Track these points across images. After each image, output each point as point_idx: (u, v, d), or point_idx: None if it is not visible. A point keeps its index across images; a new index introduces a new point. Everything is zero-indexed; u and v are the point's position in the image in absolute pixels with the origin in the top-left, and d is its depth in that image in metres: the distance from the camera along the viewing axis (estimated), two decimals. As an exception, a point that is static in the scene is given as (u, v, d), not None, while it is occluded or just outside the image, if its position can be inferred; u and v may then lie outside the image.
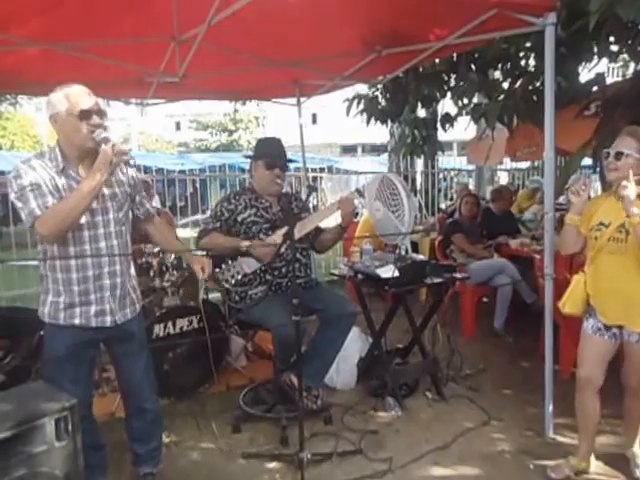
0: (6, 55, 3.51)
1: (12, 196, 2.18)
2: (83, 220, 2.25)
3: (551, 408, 3.17)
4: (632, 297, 2.53)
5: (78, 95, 2.22)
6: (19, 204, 2.16)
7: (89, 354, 2.46)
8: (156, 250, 3.90)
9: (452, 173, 11.26)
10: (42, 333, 3.55)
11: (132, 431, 2.72)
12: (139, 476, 2.74)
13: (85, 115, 2.20)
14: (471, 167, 9.70)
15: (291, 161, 3.61)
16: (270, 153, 3.43)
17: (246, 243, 3.22)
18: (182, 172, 8.93)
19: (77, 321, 2.34)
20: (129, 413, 2.71)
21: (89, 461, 2.32)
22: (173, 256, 3.96)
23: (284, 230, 3.06)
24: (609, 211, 2.58)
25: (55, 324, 2.35)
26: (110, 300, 2.39)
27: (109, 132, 2.25)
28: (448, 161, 11.52)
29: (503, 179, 11.31)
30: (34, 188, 2.15)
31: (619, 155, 2.50)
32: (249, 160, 3.60)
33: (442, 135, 7.03)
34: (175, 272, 3.97)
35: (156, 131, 31.53)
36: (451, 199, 10.43)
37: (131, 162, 2.24)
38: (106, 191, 2.32)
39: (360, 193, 3.29)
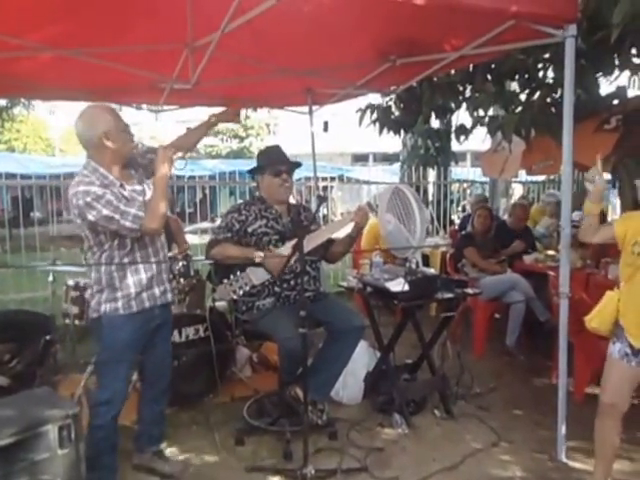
0: (21, 60, 3.54)
1: (105, 212, 2.34)
2: None
3: (564, 430, 3.08)
4: None
5: (116, 113, 2.55)
6: (116, 216, 2.36)
7: (141, 344, 2.70)
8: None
9: (465, 185, 11.15)
10: (48, 338, 3.60)
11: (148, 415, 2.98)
12: (151, 456, 2.95)
13: (127, 128, 2.55)
14: (485, 179, 9.60)
15: (297, 165, 3.55)
16: (274, 161, 3.41)
17: (260, 254, 3.16)
18: (191, 178, 8.86)
19: (147, 304, 2.63)
20: (149, 398, 2.94)
21: (103, 463, 2.49)
22: (181, 264, 3.93)
23: (293, 242, 3.01)
24: None
25: (126, 314, 2.56)
26: (165, 279, 2.76)
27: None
28: (461, 172, 11.37)
29: (518, 191, 11.18)
30: (120, 199, 2.41)
31: None
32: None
33: (455, 145, 6.98)
34: (182, 280, 3.93)
35: (167, 137, 31.75)
36: (463, 210, 10.32)
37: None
38: (133, 187, 2.59)
39: (371, 207, 3.24)
